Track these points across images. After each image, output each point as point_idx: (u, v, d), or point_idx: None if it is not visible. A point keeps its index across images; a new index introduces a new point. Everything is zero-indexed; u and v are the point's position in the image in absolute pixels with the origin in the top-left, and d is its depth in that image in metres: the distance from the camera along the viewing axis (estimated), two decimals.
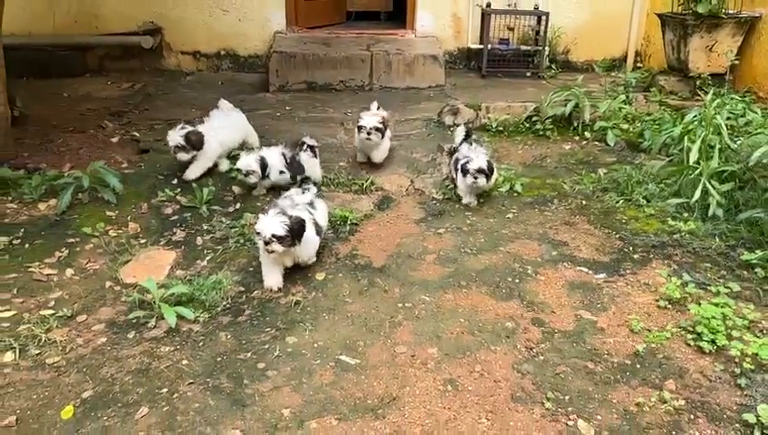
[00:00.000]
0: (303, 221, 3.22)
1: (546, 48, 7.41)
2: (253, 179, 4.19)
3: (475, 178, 4.17)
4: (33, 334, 2.83)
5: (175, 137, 4.31)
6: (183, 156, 4.35)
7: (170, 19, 7.50)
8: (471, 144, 4.50)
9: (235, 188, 4.39)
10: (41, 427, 2.35)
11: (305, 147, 4.38)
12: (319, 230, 3.45)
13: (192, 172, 4.43)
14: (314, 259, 3.50)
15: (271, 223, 3.11)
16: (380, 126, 4.52)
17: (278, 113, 6.16)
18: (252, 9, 7.54)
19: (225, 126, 4.71)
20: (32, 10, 7.16)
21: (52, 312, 3.03)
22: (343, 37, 7.76)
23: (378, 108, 4.96)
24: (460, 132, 4.69)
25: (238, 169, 4.20)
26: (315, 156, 4.44)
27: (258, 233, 3.16)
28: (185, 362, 2.73)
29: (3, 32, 4.51)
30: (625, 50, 7.72)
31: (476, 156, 4.24)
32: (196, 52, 7.68)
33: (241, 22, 7.58)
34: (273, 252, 3.15)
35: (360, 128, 4.57)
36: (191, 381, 2.61)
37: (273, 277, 3.29)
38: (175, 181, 4.41)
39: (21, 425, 2.35)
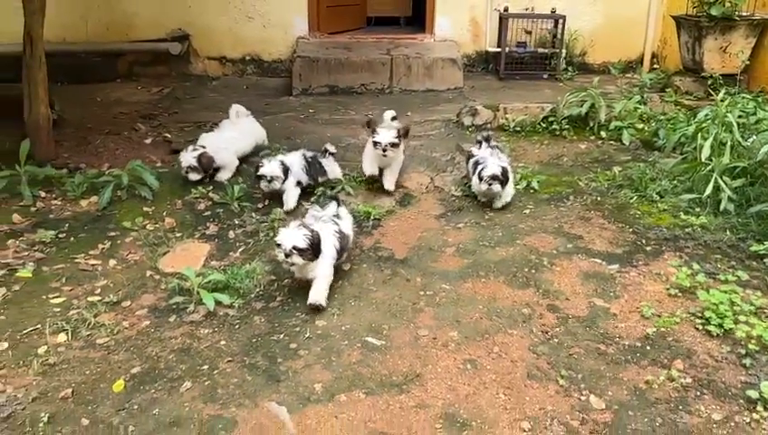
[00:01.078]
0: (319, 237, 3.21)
1: (563, 51, 7.56)
2: (277, 185, 4.26)
3: (489, 184, 4.21)
4: (83, 318, 3.07)
5: (188, 158, 4.46)
6: (194, 176, 4.49)
7: (197, 26, 7.77)
8: (492, 148, 4.52)
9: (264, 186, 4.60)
10: (95, 398, 2.57)
11: (327, 153, 4.61)
12: (344, 245, 3.42)
13: (222, 176, 4.71)
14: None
15: (292, 235, 3.12)
16: (396, 141, 4.36)
17: (302, 116, 6.38)
18: (275, 16, 7.79)
19: (236, 135, 4.91)
20: (66, 18, 7.46)
21: (98, 298, 3.26)
22: (364, 42, 7.99)
23: (393, 117, 4.95)
24: (480, 143, 4.66)
25: (263, 176, 4.24)
26: (335, 160, 4.67)
27: (278, 245, 3.16)
28: (223, 342, 2.94)
29: None
30: (641, 52, 7.85)
31: (492, 161, 4.27)
32: (222, 57, 7.95)
33: (265, 28, 7.83)
34: (293, 265, 3.16)
35: (375, 144, 4.38)
36: (229, 359, 2.82)
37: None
38: (207, 179, 4.64)
39: (77, 397, 2.58)
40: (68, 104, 6.10)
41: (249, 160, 4.98)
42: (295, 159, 4.40)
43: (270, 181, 4.23)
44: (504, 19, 7.40)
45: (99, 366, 2.76)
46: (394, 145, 4.33)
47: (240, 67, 8.01)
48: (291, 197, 4.31)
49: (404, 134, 4.46)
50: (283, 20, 7.82)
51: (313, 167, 4.46)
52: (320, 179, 4.52)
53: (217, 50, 7.93)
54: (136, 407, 2.52)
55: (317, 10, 7.93)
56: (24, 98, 4.83)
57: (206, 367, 2.76)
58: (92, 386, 2.64)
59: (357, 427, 2.42)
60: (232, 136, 4.85)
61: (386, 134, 4.35)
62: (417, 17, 9.12)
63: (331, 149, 4.66)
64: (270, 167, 4.23)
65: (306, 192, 4.45)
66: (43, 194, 4.32)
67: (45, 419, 2.44)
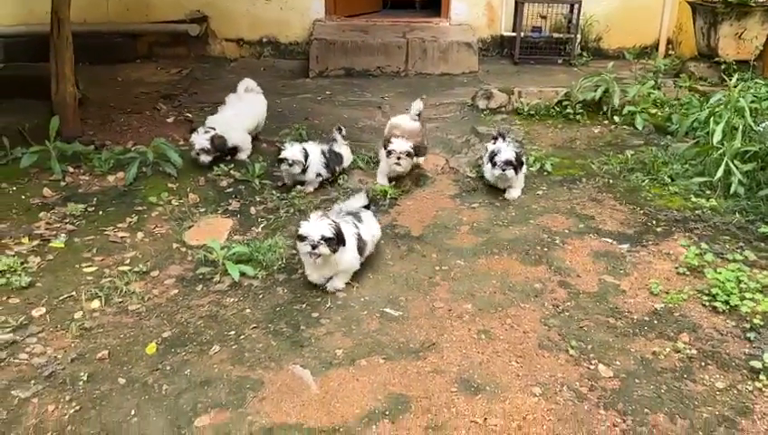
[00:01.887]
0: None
1: (578, 36, 7.60)
2: (297, 169, 4.23)
3: (503, 169, 4.18)
4: (115, 286, 3.22)
5: (200, 140, 4.46)
6: (206, 158, 4.49)
7: (216, 8, 7.87)
8: (507, 144, 4.44)
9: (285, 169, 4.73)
10: (130, 359, 2.73)
11: (340, 132, 4.62)
12: (361, 246, 3.30)
13: (242, 156, 4.80)
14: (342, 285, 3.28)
15: (318, 226, 3.03)
16: (411, 150, 4.26)
17: (319, 97, 6.50)
18: None
19: (241, 112, 4.89)
20: None
21: (128, 268, 3.41)
22: (380, 25, 8.05)
23: (418, 112, 4.70)
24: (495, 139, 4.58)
25: (284, 159, 4.21)
26: (344, 140, 4.66)
27: (303, 238, 3.04)
28: (248, 310, 3.08)
29: None
30: (657, 37, 7.86)
31: (507, 148, 4.26)
32: (239, 39, 8.05)
33: (282, 10, 7.92)
34: (319, 256, 3.04)
35: (389, 152, 4.27)
36: (254, 325, 2.96)
37: (314, 276, 3.23)
38: (228, 158, 4.77)
39: (113, 358, 2.73)
40: (90, 84, 6.22)
41: (268, 141, 5.11)
42: (315, 152, 4.35)
43: (291, 165, 4.21)
44: (519, 4, 7.45)
45: (132, 330, 2.92)
46: (409, 154, 4.26)
47: (257, 49, 8.11)
48: (309, 186, 4.38)
49: (420, 152, 4.40)
50: (300, 2, 7.91)
51: (331, 160, 4.43)
52: (337, 169, 4.51)
53: (235, 32, 8.03)
54: (168, 368, 2.67)
55: None
56: (51, 77, 4.97)
57: (232, 332, 2.91)
58: (127, 348, 2.79)
59: (376, 389, 2.56)
60: (237, 113, 4.83)
61: (401, 143, 4.27)
62: (433, 1, 9.15)
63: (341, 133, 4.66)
64: (292, 151, 4.22)
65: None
66: (71, 169, 4.47)
67: (85, 377, 2.60)
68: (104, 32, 7.65)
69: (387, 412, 2.44)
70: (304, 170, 4.27)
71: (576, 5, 7.37)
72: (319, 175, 4.36)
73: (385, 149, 4.34)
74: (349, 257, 3.20)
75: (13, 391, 2.51)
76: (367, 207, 3.58)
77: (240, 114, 4.88)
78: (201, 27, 7.87)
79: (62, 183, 4.31)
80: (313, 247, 3.01)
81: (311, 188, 4.38)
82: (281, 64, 7.84)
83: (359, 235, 3.27)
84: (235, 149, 4.78)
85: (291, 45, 8.09)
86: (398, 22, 8.16)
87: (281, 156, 4.24)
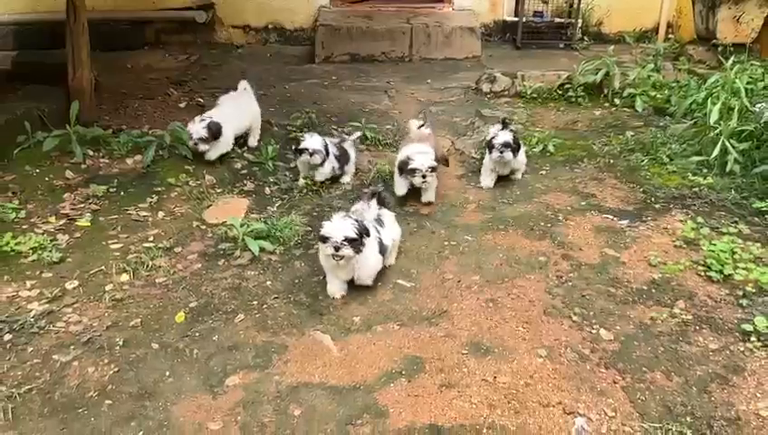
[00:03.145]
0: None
1: (579, 20, 7.72)
2: (318, 159, 4.15)
3: (501, 152, 4.15)
4: (142, 261, 3.40)
5: (197, 129, 4.37)
6: (204, 147, 4.42)
7: None
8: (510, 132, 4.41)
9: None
10: (161, 327, 2.91)
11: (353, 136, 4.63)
12: (382, 250, 3.18)
13: (211, 155, 4.52)
14: (371, 282, 3.19)
15: (341, 226, 2.93)
16: (435, 164, 3.98)
17: (326, 82, 6.64)
18: None
19: (234, 112, 4.72)
20: None
21: (152, 244, 3.59)
22: (384, 11, 8.17)
23: (421, 126, 4.50)
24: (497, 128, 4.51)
25: (304, 149, 4.13)
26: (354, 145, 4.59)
27: (325, 239, 2.93)
28: (268, 282, 3.26)
29: None
30: (657, 21, 7.97)
31: (503, 132, 4.27)
32: (245, 26, 8.18)
33: None
34: (342, 258, 2.94)
35: (412, 171, 3.95)
36: (276, 296, 3.15)
37: (335, 285, 3.15)
38: (241, 140, 4.92)
39: (145, 326, 2.92)
40: (101, 71, 6.32)
41: (279, 124, 5.27)
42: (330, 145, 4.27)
43: (311, 155, 4.13)
44: None
45: (160, 301, 3.10)
46: (433, 169, 3.96)
47: (263, 36, 8.24)
48: (321, 175, 4.30)
49: (443, 161, 4.19)
50: None
51: (342, 156, 4.41)
52: (345, 167, 4.45)
53: (241, 18, 8.16)
54: (197, 334, 2.86)
55: None
56: (64, 64, 5.11)
57: (255, 302, 3.10)
58: (157, 317, 2.98)
59: (392, 352, 2.75)
60: (231, 112, 4.68)
61: (422, 158, 3.95)
62: None
63: (354, 136, 4.67)
64: (312, 141, 4.16)
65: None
66: (90, 153, 4.62)
67: (120, 343, 2.78)
68: (113, 19, 7.78)
69: (403, 372, 2.63)
70: (323, 162, 4.21)
71: None
72: (332, 168, 4.31)
73: (404, 169, 4.02)
74: (371, 263, 3.10)
75: (54, 356, 2.70)
76: (380, 202, 3.38)
77: (234, 115, 4.72)
78: (208, 14, 7.99)
79: (83, 166, 4.47)
80: (336, 249, 2.91)
81: (321, 178, 4.31)
82: (287, 50, 7.97)
83: (380, 239, 3.16)
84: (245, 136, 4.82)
85: (296, 32, 8.22)
86: (403, 8, 8.27)
87: (301, 146, 4.18)
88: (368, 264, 3.09)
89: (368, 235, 3.01)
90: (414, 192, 4.14)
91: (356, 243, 2.93)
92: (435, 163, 3.99)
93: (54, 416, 2.39)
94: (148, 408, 2.43)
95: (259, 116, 5.04)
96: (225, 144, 4.56)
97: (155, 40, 8.10)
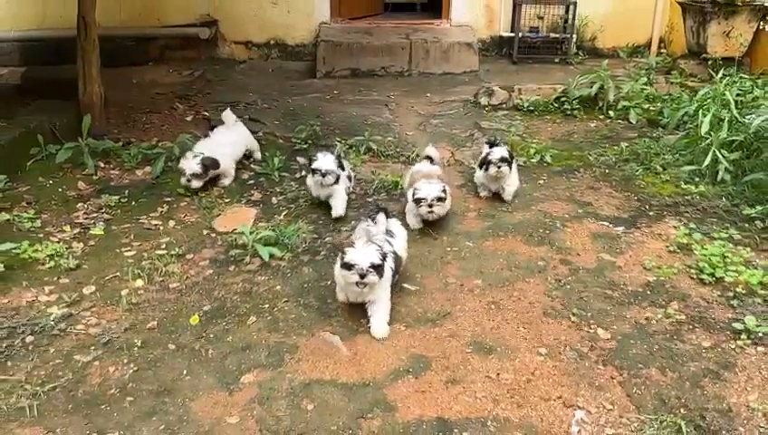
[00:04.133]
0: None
1: (574, 36, 7.92)
2: (330, 180, 4.01)
3: (499, 166, 4.19)
4: (155, 267, 3.52)
5: (191, 165, 4.27)
6: (197, 184, 4.31)
7: (225, 11, 8.18)
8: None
9: (300, 159, 5.04)
10: (176, 329, 3.03)
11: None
12: (398, 264, 3.17)
13: (225, 182, 4.58)
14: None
15: (367, 253, 2.86)
16: (443, 194, 3.82)
17: (327, 96, 6.81)
18: (299, 1, 8.18)
19: (229, 142, 4.66)
20: (101, 4, 7.82)
21: (165, 251, 3.71)
22: (383, 27, 8.37)
23: (426, 157, 4.37)
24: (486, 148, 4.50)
25: (317, 170, 4.00)
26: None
27: (350, 267, 2.84)
28: (278, 287, 3.39)
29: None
30: (649, 36, 8.19)
31: (498, 149, 4.28)
32: (247, 41, 8.36)
33: (289, 13, 8.23)
34: (366, 285, 2.88)
35: (419, 201, 3.81)
36: (285, 299, 3.27)
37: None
38: (247, 152, 5.06)
39: (161, 328, 3.04)
40: (107, 86, 6.46)
41: (285, 137, 5.42)
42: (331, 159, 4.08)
43: (324, 175, 3.98)
44: (517, 5, 7.76)
45: (175, 305, 3.22)
46: (441, 199, 3.82)
47: (265, 51, 8.41)
48: (340, 201, 4.11)
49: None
50: (306, 6, 8.21)
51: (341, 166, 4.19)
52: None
53: (243, 34, 8.33)
54: (212, 335, 2.98)
55: None
56: (72, 78, 5.27)
57: (266, 305, 3.22)
58: (173, 320, 3.10)
59: (400, 351, 2.87)
60: (226, 141, 4.63)
61: (429, 188, 3.81)
62: (433, 3, 9.47)
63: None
64: (324, 161, 4.01)
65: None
66: (102, 164, 4.77)
67: (138, 344, 2.90)
68: (118, 36, 7.94)
69: (410, 369, 2.75)
70: (337, 180, 4.06)
71: (572, 6, 7.70)
72: (347, 187, 4.23)
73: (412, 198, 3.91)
74: (384, 289, 3.04)
75: (75, 356, 2.81)
76: (387, 214, 3.39)
77: (229, 144, 4.65)
78: (211, 31, 8.16)
79: (95, 177, 4.61)
80: (362, 276, 2.84)
81: (341, 208, 4.11)
82: (288, 66, 8.14)
83: (395, 253, 3.15)
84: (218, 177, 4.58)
85: (297, 47, 8.39)
86: (401, 24, 8.47)
87: (313, 166, 4.02)
88: (380, 312, 3.01)
89: (385, 259, 2.93)
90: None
91: (381, 269, 2.88)
92: (443, 194, 3.82)
93: (78, 412, 2.50)
94: (168, 404, 2.55)
95: (253, 138, 5.02)
96: (230, 175, 4.58)
97: (159, 56, 8.26)
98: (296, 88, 7.13)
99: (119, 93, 6.56)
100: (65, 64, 7.07)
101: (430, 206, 3.80)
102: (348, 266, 2.87)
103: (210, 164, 4.35)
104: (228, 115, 4.86)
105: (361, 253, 2.86)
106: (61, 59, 7.46)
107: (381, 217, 3.31)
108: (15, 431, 2.41)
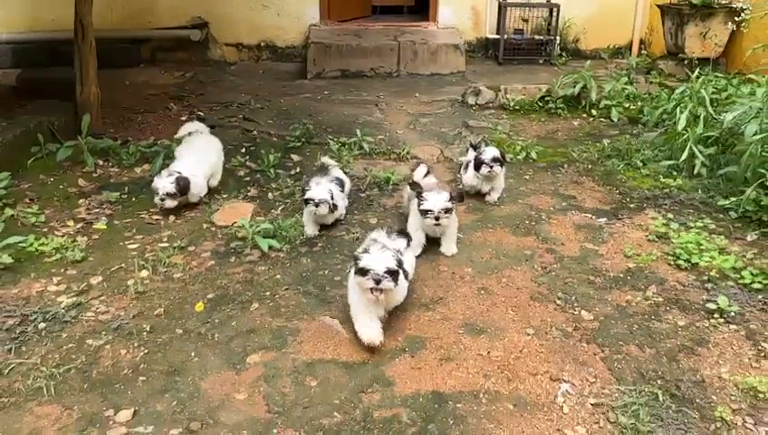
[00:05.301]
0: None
1: (557, 37, 8.17)
2: (324, 210, 3.86)
3: (491, 166, 4.27)
4: (159, 258, 3.66)
5: (165, 184, 4.08)
6: (171, 203, 4.13)
7: (216, 14, 8.32)
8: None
9: (294, 157, 5.20)
10: (183, 315, 3.18)
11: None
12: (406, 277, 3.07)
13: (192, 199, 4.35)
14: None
15: (382, 258, 2.78)
16: (450, 205, 3.60)
17: (318, 97, 6.97)
18: (289, 4, 8.36)
19: (201, 157, 4.44)
20: (94, 6, 7.97)
21: (167, 244, 3.85)
22: (372, 29, 8.56)
23: (426, 173, 4.20)
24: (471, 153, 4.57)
25: (310, 200, 3.84)
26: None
27: (365, 272, 2.75)
28: (278, 276, 3.55)
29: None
30: (630, 38, 8.46)
31: (489, 148, 4.38)
32: (238, 43, 8.51)
33: (279, 16, 8.39)
34: (381, 292, 2.78)
35: (425, 212, 3.60)
36: (286, 287, 3.43)
37: (373, 328, 2.89)
38: (243, 150, 5.23)
39: (168, 314, 3.18)
40: (100, 87, 6.63)
41: (279, 135, 5.58)
42: (334, 188, 4.00)
43: (317, 205, 3.84)
44: (502, 8, 7.98)
45: (180, 293, 3.37)
46: (448, 211, 3.62)
47: (255, 53, 8.57)
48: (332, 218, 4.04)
49: (458, 199, 3.74)
50: (296, 8, 8.38)
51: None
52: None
53: (234, 37, 8.48)
54: (217, 321, 3.13)
55: None
56: (67, 79, 5.40)
57: (267, 293, 3.37)
58: (178, 307, 3.24)
59: (396, 332, 3.04)
60: (198, 159, 4.40)
61: (437, 199, 3.61)
62: (420, 6, 9.69)
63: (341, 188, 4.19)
64: (318, 190, 3.86)
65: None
66: (100, 162, 4.90)
67: (147, 329, 3.04)
68: (110, 38, 8.03)
69: (406, 349, 2.92)
70: (333, 209, 3.95)
71: (555, 9, 7.93)
72: (342, 212, 4.16)
73: (418, 208, 3.70)
74: (402, 291, 3.05)
75: (88, 341, 2.95)
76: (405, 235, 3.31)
77: (201, 160, 4.43)
78: (202, 33, 8.30)
79: (95, 174, 4.74)
80: (377, 282, 2.75)
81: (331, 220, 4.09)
82: (279, 67, 8.30)
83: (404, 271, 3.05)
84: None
85: (288, 49, 8.55)
86: (390, 26, 8.67)
87: (306, 196, 3.87)
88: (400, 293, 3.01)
89: (401, 265, 2.89)
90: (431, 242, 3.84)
91: (396, 275, 2.81)
92: (450, 205, 3.60)
93: (94, 390, 2.64)
94: (179, 382, 2.70)
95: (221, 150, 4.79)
96: (202, 188, 4.37)
97: (151, 58, 8.39)
98: (288, 89, 7.29)
99: (112, 94, 6.66)
100: (57, 66, 7.20)
101: (437, 218, 3.60)
102: (363, 272, 2.77)
103: (184, 184, 4.13)
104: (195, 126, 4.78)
105: (377, 258, 2.79)
106: (53, 61, 7.59)
107: (396, 236, 3.18)
108: (35, 410, 2.54)
